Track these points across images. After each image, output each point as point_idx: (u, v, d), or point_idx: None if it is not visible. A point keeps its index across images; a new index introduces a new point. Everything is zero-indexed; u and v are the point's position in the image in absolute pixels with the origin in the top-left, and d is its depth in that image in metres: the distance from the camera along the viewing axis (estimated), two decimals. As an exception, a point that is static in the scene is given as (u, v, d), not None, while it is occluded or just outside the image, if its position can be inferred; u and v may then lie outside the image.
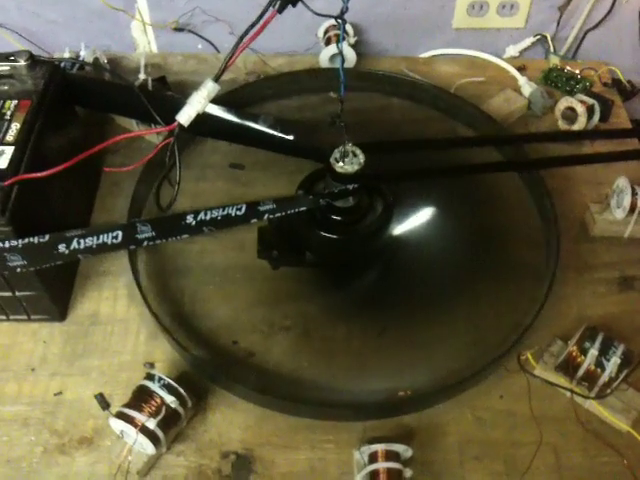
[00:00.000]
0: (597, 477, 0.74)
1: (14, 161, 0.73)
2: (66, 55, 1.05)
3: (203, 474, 0.73)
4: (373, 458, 0.70)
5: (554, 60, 1.22)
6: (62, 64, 0.94)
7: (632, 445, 0.76)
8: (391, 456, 0.70)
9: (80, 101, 0.93)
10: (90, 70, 1.05)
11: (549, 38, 1.25)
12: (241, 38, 0.67)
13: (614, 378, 0.76)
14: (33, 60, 0.82)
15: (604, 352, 0.76)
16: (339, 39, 1.10)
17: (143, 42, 1.26)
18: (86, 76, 1.02)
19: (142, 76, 1.05)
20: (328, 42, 1.17)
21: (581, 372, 0.77)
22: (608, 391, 0.76)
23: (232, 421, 0.77)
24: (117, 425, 0.70)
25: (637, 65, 1.27)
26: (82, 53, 1.06)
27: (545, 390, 0.80)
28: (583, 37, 1.26)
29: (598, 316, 0.87)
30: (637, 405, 0.77)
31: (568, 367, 0.78)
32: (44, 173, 0.71)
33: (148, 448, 0.70)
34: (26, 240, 0.70)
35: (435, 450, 0.76)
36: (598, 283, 0.92)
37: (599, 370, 0.76)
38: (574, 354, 0.78)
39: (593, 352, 0.76)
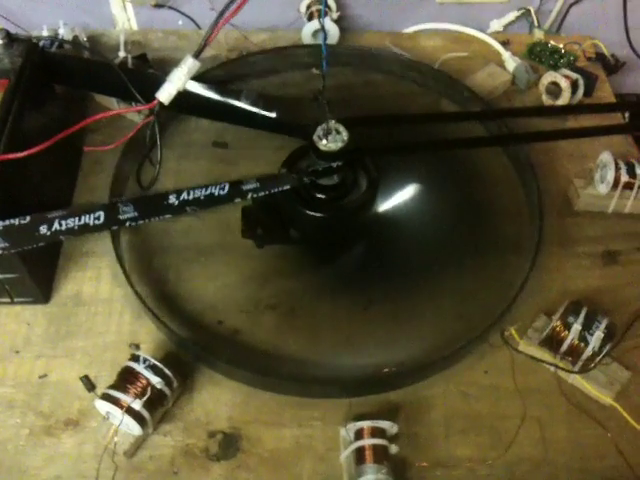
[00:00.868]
0: (581, 449, 0.75)
1: (-8, 141, 0.71)
2: (44, 33, 1.03)
3: (190, 453, 0.73)
4: (359, 435, 0.71)
5: (538, 34, 1.22)
6: (41, 42, 0.92)
7: (615, 418, 0.77)
8: (377, 433, 0.70)
9: (59, 79, 0.92)
10: (69, 48, 1.03)
11: (533, 12, 1.24)
12: (221, 13, 0.66)
13: (598, 352, 0.76)
14: (10, 38, 0.81)
15: (588, 326, 0.77)
16: (321, 14, 1.09)
17: (123, 19, 1.24)
18: (65, 54, 1.00)
19: (122, 54, 1.04)
20: (310, 17, 1.16)
21: (565, 347, 0.77)
22: (592, 365, 0.77)
23: (218, 400, 0.77)
24: (103, 407, 0.70)
25: (621, 39, 1.27)
26: (61, 31, 1.04)
27: (529, 364, 0.80)
28: (567, 11, 1.26)
29: (582, 290, 0.88)
30: (620, 378, 0.78)
31: (552, 342, 0.79)
32: (24, 153, 0.70)
33: (134, 429, 0.70)
34: (7, 222, 0.69)
35: (421, 424, 0.76)
36: (582, 257, 0.92)
37: (583, 344, 0.77)
38: (558, 329, 0.78)
39: (577, 327, 0.77)
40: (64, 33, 1.05)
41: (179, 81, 0.69)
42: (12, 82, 0.77)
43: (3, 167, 0.71)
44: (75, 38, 1.06)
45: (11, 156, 0.70)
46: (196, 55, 0.69)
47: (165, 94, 0.70)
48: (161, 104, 0.71)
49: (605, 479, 0.73)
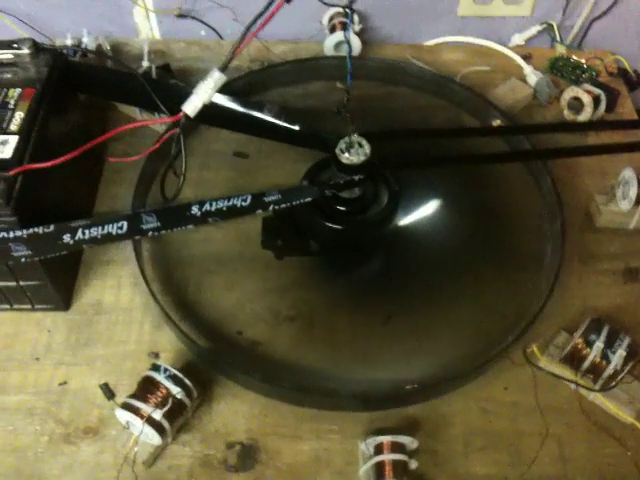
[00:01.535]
0: (601, 468, 0.74)
1: (18, 150, 0.72)
2: (68, 42, 1.04)
3: (209, 464, 0.73)
4: (379, 449, 0.70)
5: (560, 49, 1.21)
6: (65, 51, 0.93)
7: (636, 437, 0.76)
8: (397, 448, 0.70)
9: (83, 89, 0.93)
10: (93, 57, 1.04)
11: (555, 27, 1.24)
12: (248, 28, 0.66)
13: (619, 371, 0.76)
14: (36, 48, 0.81)
15: (610, 344, 0.76)
16: (346, 28, 1.10)
17: (146, 28, 1.25)
18: (89, 64, 1.01)
19: (145, 63, 1.04)
20: (333, 29, 1.16)
21: (586, 364, 0.77)
22: (613, 383, 0.76)
23: (237, 411, 0.77)
24: (123, 416, 0.70)
25: (643, 54, 1.26)
26: (84, 40, 1.05)
27: (549, 381, 0.80)
28: (589, 26, 1.25)
29: (603, 307, 0.87)
30: (642, 397, 0.77)
31: (573, 359, 0.78)
32: (50, 163, 0.71)
33: (154, 439, 0.70)
34: (31, 230, 0.69)
35: (440, 441, 0.76)
36: (603, 274, 0.92)
37: (604, 362, 0.76)
38: (579, 346, 0.78)
39: (599, 345, 0.76)
40: (88, 42, 1.06)
41: (205, 94, 0.70)
42: (38, 91, 0.78)
43: (28, 176, 0.71)
44: (98, 47, 1.07)
45: (38, 166, 0.71)
46: (222, 68, 0.69)
47: (191, 107, 0.70)
48: (186, 117, 0.71)
49: (625, 499, 0.73)
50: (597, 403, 0.78)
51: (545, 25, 1.24)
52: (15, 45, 0.81)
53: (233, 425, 0.76)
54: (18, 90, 0.78)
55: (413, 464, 0.70)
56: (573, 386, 0.78)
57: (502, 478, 0.73)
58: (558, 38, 1.24)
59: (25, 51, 0.81)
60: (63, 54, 0.87)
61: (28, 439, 0.74)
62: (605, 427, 0.77)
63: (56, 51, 0.85)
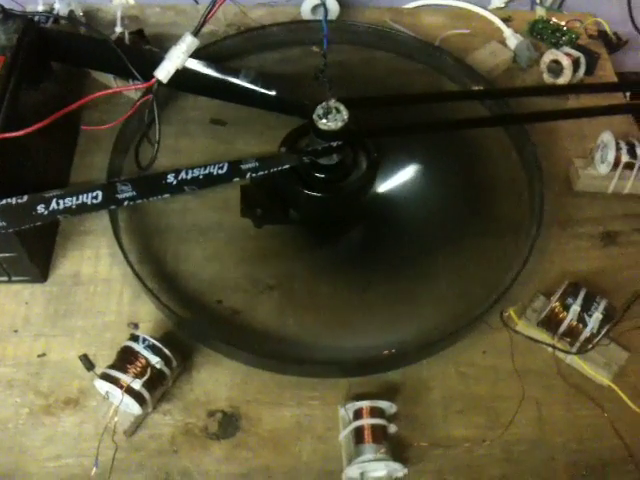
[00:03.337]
0: (578, 430, 0.76)
1: (-11, 120, 0.71)
2: (40, 8, 1.01)
3: (190, 432, 0.74)
4: (358, 414, 0.71)
5: (540, 11, 1.20)
6: (36, 18, 0.91)
7: (612, 399, 0.77)
8: (376, 412, 0.71)
9: (56, 56, 0.91)
10: (65, 24, 1.01)
11: (535, -12, 1.23)
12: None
13: (596, 333, 0.77)
14: (5, 14, 0.79)
15: (586, 308, 0.77)
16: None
17: (119, -7, 1.22)
18: (61, 30, 0.99)
19: (119, 29, 1.02)
20: (310, -8, 1.15)
21: (563, 328, 0.78)
22: (590, 346, 0.77)
23: (218, 379, 0.78)
24: (102, 386, 0.70)
25: (623, 17, 1.26)
26: (56, 6, 1.02)
27: (527, 345, 0.81)
28: (569, -13, 1.24)
29: (581, 271, 0.88)
30: (618, 360, 0.78)
31: (550, 323, 0.79)
32: (21, 132, 0.70)
33: (134, 408, 0.70)
34: (4, 201, 0.68)
35: (419, 405, 0.77)
36: (581, 238, 0.92)
37: (581, 326, 0.77)
38: (556, 310, 0.78)
39: (575, 308, 0.77)
40: (60, 8, 1.03)
41: (178, 59, 0.68)
42: (8, 59, 0.76)
43: (1, 147, 0.70)
44: (71, 13, 1.04)
45: (9, 135, 0.69)
46: (195, 33, 0.68)
47: (164, 72, 0.69)
48: (159, 82, 0.70)
49: (601, 459, 0.74)
50: (574, 366, 0.79)
51: (525, -13, 1.23)
52: (-18, 11, 0.79)
53: (214, 393, 0.76)
54: (-13, 58, 0.76)
55: (392, 428, 0.71)
56: (550, 349, 0.79)
57: (480, 440, 0.74)
58: (538, 0, 1.22)
59: (-7, 17, 0.79)
60: (34, 20, 0.84)
61: (8, 411, 0.74)
62: (582, 389, 0.78)
63: (27, 17, 0.82)
